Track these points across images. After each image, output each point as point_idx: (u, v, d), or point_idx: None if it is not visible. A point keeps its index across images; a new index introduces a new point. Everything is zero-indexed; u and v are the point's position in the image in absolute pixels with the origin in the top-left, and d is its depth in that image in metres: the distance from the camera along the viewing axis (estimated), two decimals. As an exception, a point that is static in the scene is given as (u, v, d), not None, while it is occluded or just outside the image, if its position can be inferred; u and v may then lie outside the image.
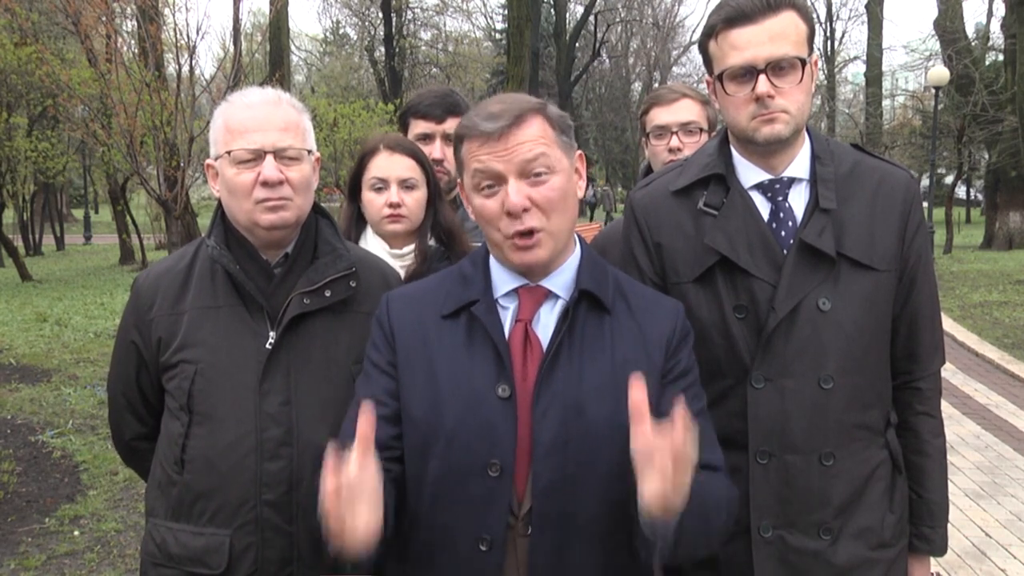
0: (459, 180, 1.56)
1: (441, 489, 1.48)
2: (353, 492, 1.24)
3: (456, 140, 1.53)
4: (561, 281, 1.54)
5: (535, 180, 1.45)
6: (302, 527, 1.70)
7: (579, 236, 1.61)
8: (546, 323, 1.52)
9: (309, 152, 1.77)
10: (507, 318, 1.53)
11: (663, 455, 1.24)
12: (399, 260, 2.20)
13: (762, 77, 1.62)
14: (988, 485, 5.40)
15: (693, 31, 50.59)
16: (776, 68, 1.62)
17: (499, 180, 1.46)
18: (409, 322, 1.56)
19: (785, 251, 1.70)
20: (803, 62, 1.64)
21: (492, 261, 1.57)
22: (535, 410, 1.45)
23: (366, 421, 1.27)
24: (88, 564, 4.23)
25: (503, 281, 1.54)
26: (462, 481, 1.46)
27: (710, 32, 1.69)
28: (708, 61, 1.73)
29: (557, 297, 1.53)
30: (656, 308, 1.58)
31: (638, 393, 1.27)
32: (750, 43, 1.62)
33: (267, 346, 1.73)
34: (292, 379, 1.74)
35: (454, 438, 1.46)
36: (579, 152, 1.56)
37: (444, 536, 1.48)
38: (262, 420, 1.71)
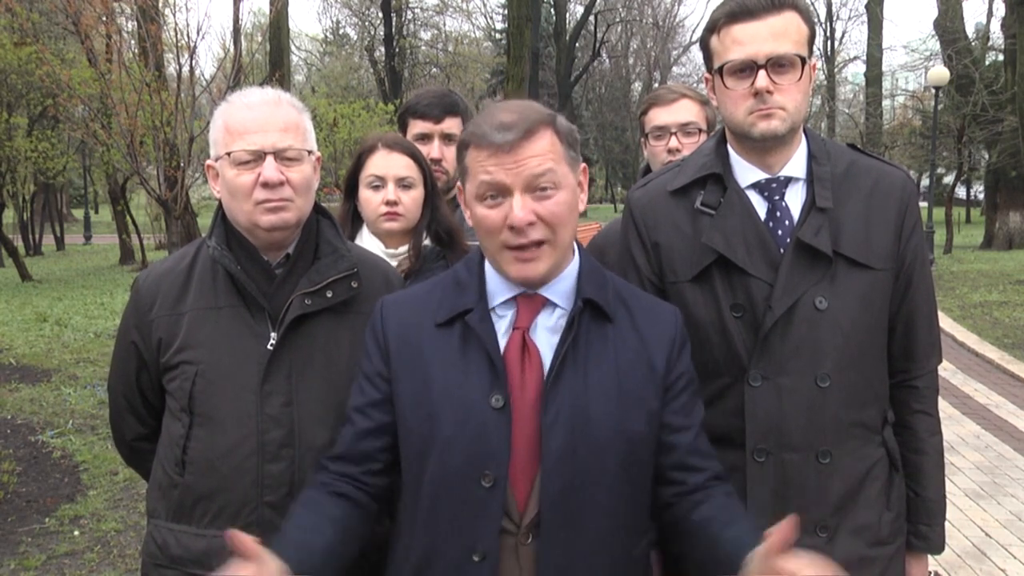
0: (459, 185, 1.55)
1: (435, 499, 1.48)
2: None
3: (461, 145, 1.51)
4: (560, 290, 1.53)
5: (540, 195, 1.44)
6: None
7: (576, 243, 1.61)
8: (544, 331, 1.51)
9: (310, 152, 1.77)
10: (504, 326, 1.52)
11: None
12: (394, 259, 2.20)
13: (762, 72, 1.63)
14: (988, 485, 5.40)
15: (693, 31, 50.68)
16: (776, 65, 1.64)
17: (504, 192, 1.44)
18: (403, 330, 1.55)
19: (782, 250, 1.71)
20: (803, 60, 1.65)
21: (488, 267, 1.56)
22: (543, 419, 1.44)
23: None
24: (88, 564, 4.23)
25: (500, 289, 1.53)
26: (454, 491, 1.46)
27: (713, 27, 1.70)
28: (708, 56, 1.74)
29: (555, 305, 1.53)
30: (655, 314, 1.58)
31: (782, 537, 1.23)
32: (752, 38, 1.63)
33: (268, 347, 1.73)
34: (293, 380, 1.73)
35: (447, 448, 1.46)
36: (583, 166, 1.55)
37: (438, 547, 1.48)
38: (263, 422, 1.71)
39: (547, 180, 1.44)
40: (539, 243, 1.45)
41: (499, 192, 1.44)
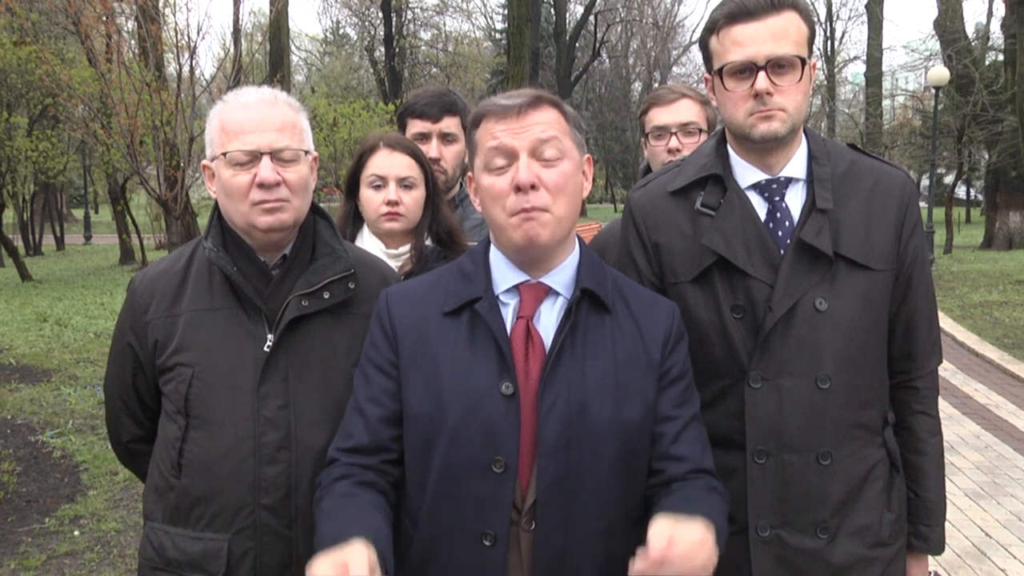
0: (469, 171, 1.58)
1: (444, 486, 1.49)
2: None
3: (472, 123, 1.55)
4: (561, 279, 1.55)
5: (546, 162, 1.48)
6: (301, 531, 1.69)
7: (578, 236, 1.63)
8: (547, 320, 1.53)
9: (307, 152, 1.76)
10: (508, 315, 1.54)
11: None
12: (395, 260, 2.19)
13: (761, 74, 1.62)
14: (988, 485, 5.38)
15: (693, 31, 50.64)
16: (776, 66, 1.63)
17: (511, 157, 1.47)
18: (410, 319, 1.57)
19: (782, 251, 1.70)
20: (803, 61, 1.65)
21: (492, 258, 1.58)
22: (539, 408, 1.46)
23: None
24: (88, 564, 4.23)
25: (504, 277, 1.55)
26: (466, 478, 1.47)
27: (712, 27, 1.70)
28: (708, 57, 1.73)
29: (557, 295, 1.55)
30: (653, 307, 1.60)
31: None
32: (752, 40, 1.63)
33: (265, 349, 1.72)
34: (290, 382, 1.72)
35: (457, 435, 1.47)
36: (588, 156, 1.57)
37: (447, 533, 1.50)
38: (260, 424, 1.70)
39: (552, 147, 1.48)
40: (542, 209, 1.47)
41: (506, 157, 1.48)
